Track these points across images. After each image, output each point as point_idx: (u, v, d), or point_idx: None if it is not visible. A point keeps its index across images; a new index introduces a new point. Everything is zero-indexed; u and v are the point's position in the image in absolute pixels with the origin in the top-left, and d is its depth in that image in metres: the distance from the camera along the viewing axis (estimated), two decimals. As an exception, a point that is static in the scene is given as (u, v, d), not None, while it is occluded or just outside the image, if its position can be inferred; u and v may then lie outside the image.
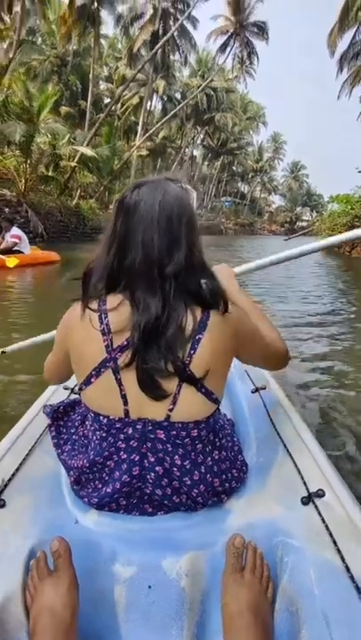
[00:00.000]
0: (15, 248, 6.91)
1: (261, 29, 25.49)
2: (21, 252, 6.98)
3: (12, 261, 6.58)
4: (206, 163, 46.51)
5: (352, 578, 0.61)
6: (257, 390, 1.20)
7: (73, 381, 1.11)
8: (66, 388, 1.17)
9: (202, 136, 40.17)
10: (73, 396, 1.12)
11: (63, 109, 21.63)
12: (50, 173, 16.41)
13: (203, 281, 0.76)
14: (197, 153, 45.68)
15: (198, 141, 41.56)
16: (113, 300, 0.75)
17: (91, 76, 21.80)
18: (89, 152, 16.11)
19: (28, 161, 14.52)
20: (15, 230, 7.02)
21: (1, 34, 18.20)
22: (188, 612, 0.65)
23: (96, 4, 20.59)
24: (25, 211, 12.74)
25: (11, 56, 14.73)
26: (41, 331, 1.51)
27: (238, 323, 0.80)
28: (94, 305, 0.76)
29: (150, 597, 0.66)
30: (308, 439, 0.94)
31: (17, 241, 6.92)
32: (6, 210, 12.07)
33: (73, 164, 16.96)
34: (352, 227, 15.47)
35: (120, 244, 0.75)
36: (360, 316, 5.00)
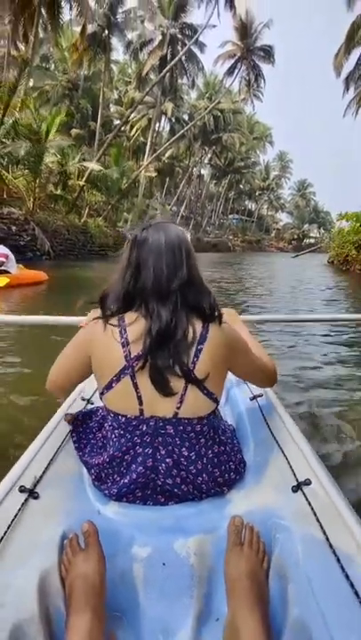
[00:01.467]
0: (2, 268, 6.62)
1: (268, 53, 26.06)
2: (8, 272, 6.68)
3: (1, 280, 6.32)
4: (214, 181, 47.08)
5: (332, 548, 0.71)
6: (255, 398, 1.32)
7: (88, 393, 1.32)
8: (83, 399, 1.31)
9: (209, 155, 40.79)
10: (89, 406, 1.24)
11: (74, 131, 22.14)
12: (59, 192, 16.58)
13: (205, 297, 0.93)
14: (205, 172, 46.36)
15: (206, 161, 42.18)
16: (130, 316, 0.90)
17: (101, 99, 22.38)
18: (97, 167, 16.25)
19: (37, 180, 14.67)
20: (2, 249, 6.78)
21: (15, 60, 18.91)
22: (197, 584, 0.76)
23: (107, 31, 21.34)
24: (32, 229, 12.77)
25: (22, 81, 15.06)
26: (29, 367, 1.43)
27: (232, 337, 0.95)
28: (115, 321, 0.90)
29: (164, 573, 0.77)
30: (297, 437, 1.06)
31: (4, 260, 6.65)
32: (13, 228, 12.10)
33: (81, 182, 17.16)
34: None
35: (135, 270, 0.92)
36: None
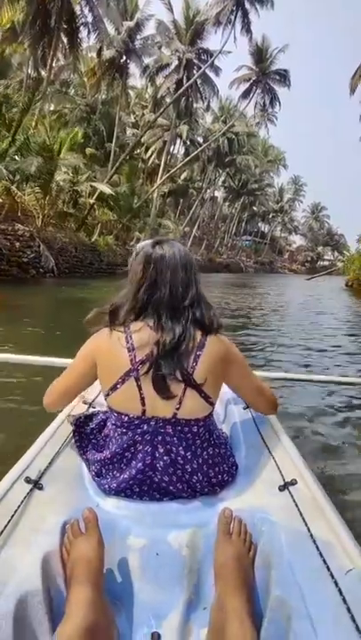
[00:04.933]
0: None
1: (283, 77, 26.22)
2: None
3: None
4: (227, 203, 47.15)
5: (313, 538, 0.77)
6: (248, 407, 1.35)
7: (90, 397, 1.37)
8: (85, 403, 1.35)
9: (223, 178, 40.95)
10: (90, 410, 1.29)
11: (88, 150, 22.28)
12: (69, 210, 16.36)
13: (208, 312, 1.00)
14: (218, 194, 46.54)
15: (219, 183, 42.36)
16: (135, 325, 0.96)
17: (117, 121, 22.60)
18: (107, 190, 16.02)
19: (47, 197, 14.46)
20: None
21: (34, 83, 19.35)
22: (188, 573, 0.81)
23: (125, 57, 21.75)
24: (37, 245, 12.37)
25: (36, 102, 15.13)
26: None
27: (228, 345, 1.01)
28: (121, 329, 0.96)
29: (158, 563, 0.82)
30: (286, 442, 1.13)
31: None
32: (17, 244, 11.71)
33: (92, 200, 16.95)
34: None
35: (150, 284, 0.97)
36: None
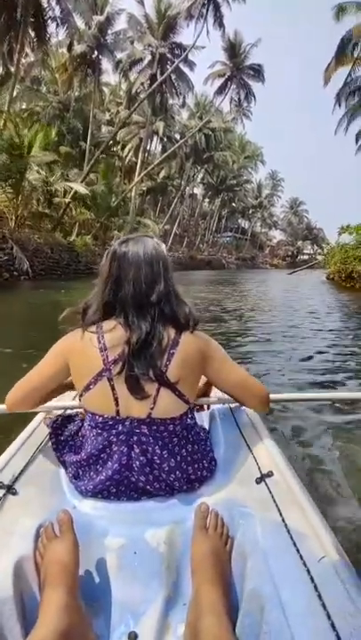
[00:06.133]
0: None
1: (257, 71, 26.14)
2: None
3: None
4: (207, 200, 47.05)
5: (287, 528, 0.78)
6: (225, 402, 1.33)
7: (67, 399, 1.28)
8: (62, 406, 1.29)
9: (201, 174, 40.79)
10: (68, 411, 1.25)
11: (63, 149, 21.64)
12: (44, 210, 15.83)
13: (182, 308, 0.98)
14: (198, 190, 46.40)
15: (198, 179, 42.18)
16: (108, 324, 0.96)
17: (91, 119, 22.04)
18: (81, 189, 15.56)
19: (20, 197, 13.92)
20: None
21: (3, 80, 18.62)
22: (166, 570, 0.81)
23: (96, 52, 21.20)
24: (10, 247, 11.85)
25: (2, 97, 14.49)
26: None
27: (204, 341, 1.00)
28: (93, 328, 0.96)
29: (136, 561, 0.82)
30: (264, 435, 1.15)
31: None
32: (-13, 247, 11.18)
33: (67, 200, 16.46)
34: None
35: (115, 282, 0.97)
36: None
